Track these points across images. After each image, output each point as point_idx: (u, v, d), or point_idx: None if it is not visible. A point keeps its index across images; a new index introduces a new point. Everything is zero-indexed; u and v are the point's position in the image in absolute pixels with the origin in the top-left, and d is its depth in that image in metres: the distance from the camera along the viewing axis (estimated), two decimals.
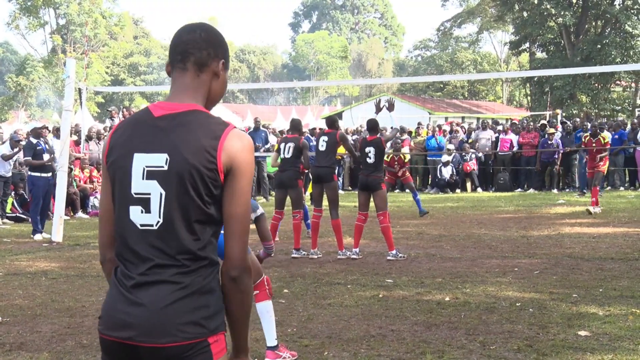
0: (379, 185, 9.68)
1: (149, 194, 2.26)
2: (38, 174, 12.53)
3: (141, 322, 2.21)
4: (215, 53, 2.38)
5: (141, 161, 2.28)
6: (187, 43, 2.35)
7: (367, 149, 9.71)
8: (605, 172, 15.07)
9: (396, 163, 14.67)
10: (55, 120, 30.44)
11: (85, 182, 16.89)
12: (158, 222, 2.25)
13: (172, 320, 2.19)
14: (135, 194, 2.28)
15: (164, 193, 2.25)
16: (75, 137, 16.43)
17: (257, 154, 18.87)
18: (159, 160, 2.26)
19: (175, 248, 2.23)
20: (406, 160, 15.45)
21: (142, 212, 2.27)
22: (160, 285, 2.22)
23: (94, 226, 14.32)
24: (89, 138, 17.13)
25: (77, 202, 16.18)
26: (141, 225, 2.27)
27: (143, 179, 2.27)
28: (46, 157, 12.65)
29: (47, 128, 14.22)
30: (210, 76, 2.39)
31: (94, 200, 16.69)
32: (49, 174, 12.77)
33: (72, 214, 15.86)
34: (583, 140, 15.04)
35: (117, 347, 2.27)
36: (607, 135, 15.72)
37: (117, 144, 2.35)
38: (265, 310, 5.44)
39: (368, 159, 9.71)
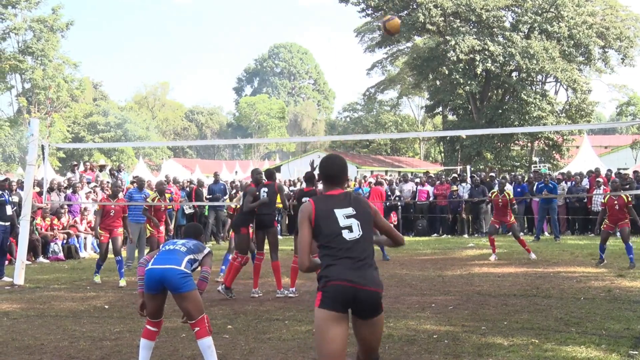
0: None
1: (351, 224, 4.00)
2: None
3: (364, 279, 3.87)
4: (346, 174, 4.29)
5: (340, 212, 4.04)
6: (334, 177, 4.19)
7: (303, 199, 9.72)
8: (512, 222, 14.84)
9: None
10: (19, 174, 29.55)
11: (46, 230, 16.39)
12: (359, 234, 3.98)
13: (374, 280, 3.91)
14: (343, 226, 3.99)
15: (359, 223, 4.02)
16: (38, 189, 15.98)
17: (216, 203, 18.69)
18: (349, 210, 4.05)
19: (369, 247, 4.01)
20: None
21: (349, 232, 3.98)
22: (368, 265, 3.94)
23: (54, 270, 13.87)
24: (50, 190, 16.70)
25: (38, 248, 15.67)
26: (349, 239, 3.96)
27: (345, 218, 4.01)
28: (8, 208, 12.28)
29: (7, 180, 13.73)
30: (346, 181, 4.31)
31: (54, 246, 16.21)
32: (8, 223, 12.40)
33: (33, 259, 15.34)
34: (490, 195, 15.16)
35: (345, 289, 3.81)
36: (510, 191, 15.91)
37: (320, 207, 4.06)
38: (206, 346, 5.33)
39: None
